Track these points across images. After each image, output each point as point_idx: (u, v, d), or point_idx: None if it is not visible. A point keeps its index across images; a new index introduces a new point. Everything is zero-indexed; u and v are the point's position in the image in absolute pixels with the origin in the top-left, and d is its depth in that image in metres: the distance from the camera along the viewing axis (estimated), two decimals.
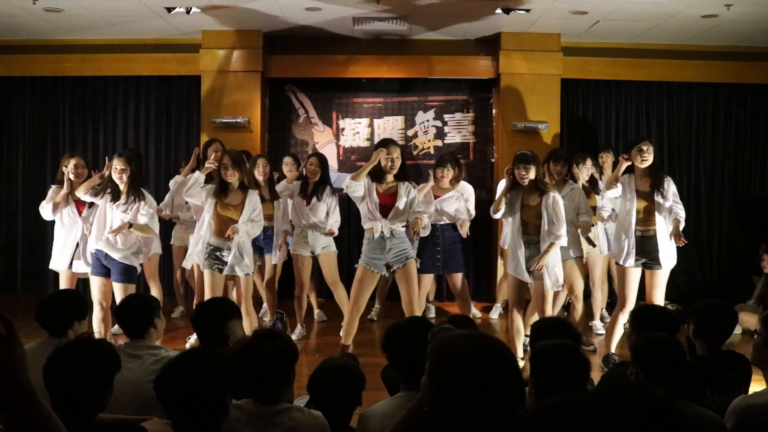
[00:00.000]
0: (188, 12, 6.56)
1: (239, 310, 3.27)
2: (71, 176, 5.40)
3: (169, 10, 6.54)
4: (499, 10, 6.59)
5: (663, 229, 5.08)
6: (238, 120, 7.51)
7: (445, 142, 8.02)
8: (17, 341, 1.31)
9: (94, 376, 2.13)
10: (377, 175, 5.09)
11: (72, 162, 5.42)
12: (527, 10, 6.62)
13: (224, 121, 7.50)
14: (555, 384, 2.25)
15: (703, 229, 8.20)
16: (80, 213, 5.48)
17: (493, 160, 7.95)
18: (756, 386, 2.89)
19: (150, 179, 8.01)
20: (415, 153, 7.99)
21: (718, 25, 6.97)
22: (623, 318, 5.12)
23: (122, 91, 8.02)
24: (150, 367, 2.90)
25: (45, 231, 7.78)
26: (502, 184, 6.85)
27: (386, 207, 5.07)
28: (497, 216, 5.25)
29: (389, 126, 7.99)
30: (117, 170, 5.07)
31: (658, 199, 5.08)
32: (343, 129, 8.03)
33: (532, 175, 4.95)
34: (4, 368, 1.27)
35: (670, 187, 5.13)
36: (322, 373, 2.70)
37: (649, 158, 5.09)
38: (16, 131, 8.05)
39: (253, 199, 5.22)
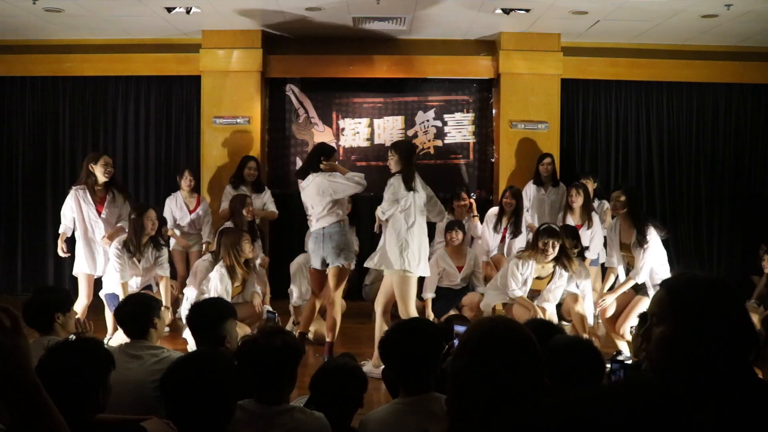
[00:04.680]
0: (188, 12, 6.55)
1: (234, 311, 3.27)
2: (102, 176, 5.47)
3: (169, 10, 6.53)
4: (499, 10, 6.59)
5: (646, 275, 4.89)
6: (238, 120, 7.51)
7: (445, 142, 8.02)
8: (22, 335, 1.31)
9: (86, 376, 2.11)
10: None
11: (101, 161, 5.51)
12: (527, 10, 6.62)
13: (224, 121, 7.50)
14: (571, 381, 2.21)
15: (703, 229, 8.20)
16: (99, 213, 5.47)
17: (493, 160, 7.95)
18: None
19: (149, 179, 8.02)
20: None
21: (718, 25, 6.97)
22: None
23: (122, 91, 8.01)
24: (151, 368, 2.90)
25: (45, 231, 7.80)
26: (493, 211, 6.77)
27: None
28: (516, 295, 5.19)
29: (389, 126, 7.99)
30: (150, 221, 5.24)
31: (636, 254, 4.89)
32: (343, 129, 8.02)
33: (556, 251, 4.98)
34: (10, 361, 1.27)
35: (653, 240, 4.86)
36: (323, 374, 2.69)
37: (623, 208, 4.96)
38: (16, 131, 8.03)
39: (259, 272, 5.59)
